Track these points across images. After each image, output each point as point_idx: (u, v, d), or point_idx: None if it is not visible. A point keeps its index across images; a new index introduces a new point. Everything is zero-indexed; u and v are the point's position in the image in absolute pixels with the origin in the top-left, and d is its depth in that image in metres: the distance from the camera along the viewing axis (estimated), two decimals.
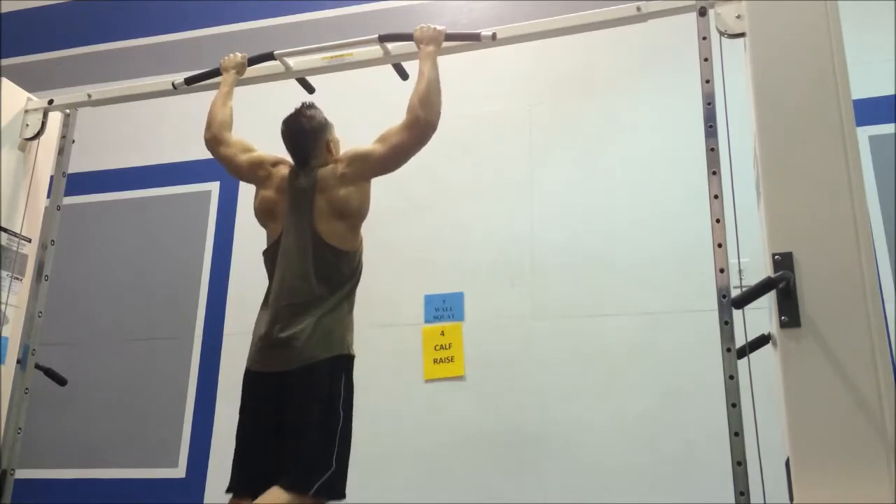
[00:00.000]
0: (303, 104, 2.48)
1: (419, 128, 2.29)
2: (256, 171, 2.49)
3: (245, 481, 2.17)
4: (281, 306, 2.25)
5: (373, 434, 3.63)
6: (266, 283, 2.40)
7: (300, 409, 2.14)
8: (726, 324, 1.96)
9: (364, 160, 2.34)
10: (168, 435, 3.82)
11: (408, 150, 2.33)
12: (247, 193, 4.14)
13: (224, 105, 2.61)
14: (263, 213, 2.45)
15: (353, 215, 2.33)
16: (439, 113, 2.33)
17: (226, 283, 4.04)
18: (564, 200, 3.68)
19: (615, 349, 3.40)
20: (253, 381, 2.27)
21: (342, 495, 2.12)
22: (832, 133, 1.86)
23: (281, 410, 2.17)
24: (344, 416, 2.16)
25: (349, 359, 2.26)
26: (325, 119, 2.48)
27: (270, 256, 2.38)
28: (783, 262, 1.80)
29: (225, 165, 2.57)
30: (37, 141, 2.87)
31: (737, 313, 1.95)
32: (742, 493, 1.83)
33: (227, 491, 2.21)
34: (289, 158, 2.49)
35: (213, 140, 2.56)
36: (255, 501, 2.03)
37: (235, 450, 2.25)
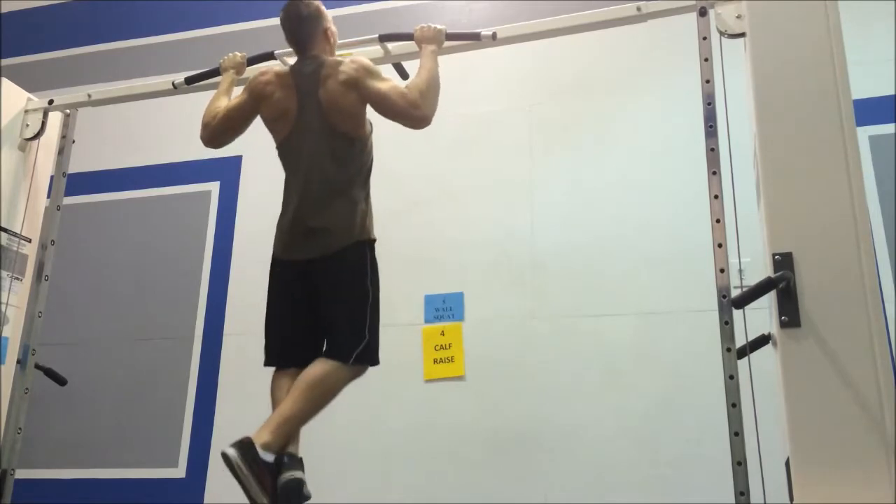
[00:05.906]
0: None
1: (413, 115, 2.31)
2: (256, 88, 2.46)
3: (287, 355, 2.35)
4: (303, 196, 2.34)
5: (373, 434, 3.64)
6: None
7: (333, 291, 2.31)
8: (726, 324, 1.96)
9: (370, 76, 2.35)
10: (168, 435, 3.82)
11: (390, 111, 2.33)
12: (247, 194, 4.17)
13: (218, 103, 2.59)
14: (272, 113, 2.44)
15: (355, 105, 2.36)
16: (435, 110, 2.36)
17: (226, 283, 4.04)
18: (564, 200, 3.68)
19: (615, 349, 3.40)
20: (284, 268, 2.40)
21: (377, 361, 2.33)
22: (832, 133, 1.86)
23: (312, 292, 2.33)
24: (373, 292, 2.34)
25: (372, 242, 2.39)
26: (323, 7, 2.50)
27: (285, 151, 2.44)
28: (783, 262, 1.80)
29: (232, 126, 2.51)
30: (37, 141, 2.87)
31: (737, 313, 1.95)
32: (742, 493, 1.83)
33: (267, 364, 2.37)
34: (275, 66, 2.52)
35: (206, 126, 2.53)
36: (303, 372, 2.20)
37: (269, 331, 2.40)
